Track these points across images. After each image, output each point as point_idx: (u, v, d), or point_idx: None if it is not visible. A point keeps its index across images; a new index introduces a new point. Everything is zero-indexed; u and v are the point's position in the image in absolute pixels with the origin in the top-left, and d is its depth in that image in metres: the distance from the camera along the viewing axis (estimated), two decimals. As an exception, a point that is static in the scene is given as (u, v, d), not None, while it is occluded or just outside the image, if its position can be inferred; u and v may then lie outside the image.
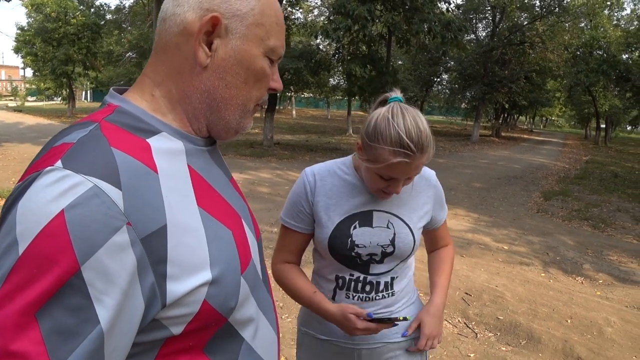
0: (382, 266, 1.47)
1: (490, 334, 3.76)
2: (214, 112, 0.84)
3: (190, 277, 0.72)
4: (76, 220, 0.61)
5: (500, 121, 32.07)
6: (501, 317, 4.01)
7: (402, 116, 1.27)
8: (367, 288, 1.49)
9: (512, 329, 3.82)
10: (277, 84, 0.90)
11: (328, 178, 1.48)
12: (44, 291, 0.59)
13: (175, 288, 0.70)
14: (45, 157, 0.69)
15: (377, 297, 1.50)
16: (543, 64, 26.46)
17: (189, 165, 0.81)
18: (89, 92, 51.63)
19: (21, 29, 28.41)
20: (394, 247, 1.44)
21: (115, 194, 0.65)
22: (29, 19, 28.01)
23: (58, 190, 0.62)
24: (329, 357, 1.55)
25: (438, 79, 31.22)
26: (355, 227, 1.44)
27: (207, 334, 0.78)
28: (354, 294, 1.49)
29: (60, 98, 32.06)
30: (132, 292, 0.66)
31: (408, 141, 1.24)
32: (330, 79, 24.19)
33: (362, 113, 41.34)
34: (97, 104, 40.98)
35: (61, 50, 24.95)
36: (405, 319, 1.37)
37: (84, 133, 0.71)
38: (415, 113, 1.31)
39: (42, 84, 30.86)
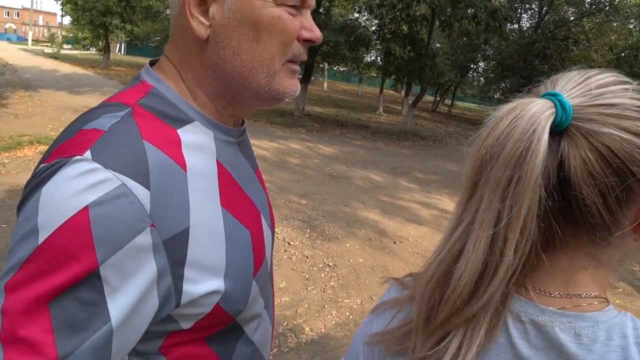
0: None
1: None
2: (233, 85, 0.76)
3: (206, 281, 0.70)
4: (100, 219, 0.59)
5: (533, 115, 31.35)
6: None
7: None
8: None
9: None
10: (310, 33, 0.76)
11: None
12: (60, 284, 0.58)
13: (191, 290, 0.69)
14: (73, 140, 0.65)
15: None
16: (585, 63, 25.77)
17: (217, 161, 0.77)
18: (123, 44, 51.86)
19: (64, -25, 28.56)
20: None
21: (143, 194, 0.63)
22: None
23: (85, 184, 0.60)
24: None
25: (474, 66, 30.66)
26: None
27: (213, 329, 0.77)
28: None
29: (96, 49, 32.33)
30: (148, 292, 0.64)
31: None
32: (366, 56, 23.90)
33: (392, 92, 40.88)
34: (130, 58, 41.28)
35: (101, 1, 25.04)
36: None
37: (115, 119, 0.67)
38: None
39: (80, 34, 31.13)
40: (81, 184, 0.60)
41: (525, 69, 23.99)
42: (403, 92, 25.22)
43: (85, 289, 0.59)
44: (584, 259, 0.61)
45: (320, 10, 15.84)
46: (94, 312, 0.60)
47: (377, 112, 23.36)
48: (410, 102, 18.12)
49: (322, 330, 3.43)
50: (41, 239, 0.59)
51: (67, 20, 41.54)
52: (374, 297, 4.05)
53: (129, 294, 0.62)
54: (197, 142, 0.74)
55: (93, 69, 25.40)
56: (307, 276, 4.29)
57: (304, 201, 6.58)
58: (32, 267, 0.58)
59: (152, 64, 0.80)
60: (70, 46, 46.59)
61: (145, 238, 0.62)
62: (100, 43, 29.77)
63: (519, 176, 0.55)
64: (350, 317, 3.68)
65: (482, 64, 30.22)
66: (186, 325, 0.73)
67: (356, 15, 18.39)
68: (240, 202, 0.81)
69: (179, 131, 0.72)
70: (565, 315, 0.58)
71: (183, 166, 0.70)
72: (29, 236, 0.59)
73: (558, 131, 0.57)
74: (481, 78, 31.22)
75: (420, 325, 0.62)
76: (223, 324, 0.78)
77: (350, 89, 39.81)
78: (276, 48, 0.73)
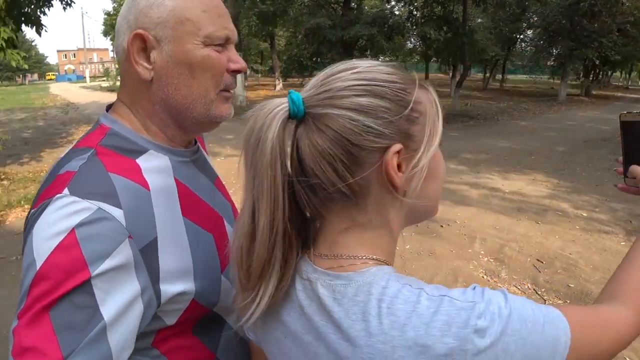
0: None
1: (559, 301, 3.73)
2: (177, 115, 0.88)
3: (178, 281, 0.82)
4: (86, 236, 0.70)
5: (590, 79, 29.67)
6: (572, 285, 3.97)
7: None
8: None
9: (583, 297, 3.77)
10: (237, 65, 0.89)
11: None
12: (58, 297, 0.67)
13: (167, 290, 0.80)
14: (52, 185, 0.77)
15: None
16: (639, 14, 24.30)
17: (175, 179, 0.88)
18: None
19: (107, 14, 30.16)
20: None
21: (117, 213, 0.74)
22: (114, 4, 29.59)
23: (68, 212, 0.71)
24: None
25: (521, 37, 29.55)
26: None
27: (194, 320, 0.89)
28: None
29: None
30: (132, 293, 0.74)
31: None
32: (406, 43, 23.62)
33: (441, 75, 40.00)
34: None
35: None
36: None
37: (82, 161, 0.79)
38: None
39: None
40: (65, 213, 0.71)
41: (573, 31, 22.76)
42: (450, 74, 24.69)
43: (81, 296, 0.69)
44: (343, 223, 0.70)
45: (352, 5, 15.89)
46: (89, 313, 0.69)
47: (425, 98, 22.93)
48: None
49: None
50: (39, 264, 0.69)
51: (118, 53, 43.47)
52: (418, 283, 4.09)
53: (118, 296, 0.72)
54: (155, 166, 0.86)
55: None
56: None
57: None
58: (35, 290, 0.68)
59: (108, 108, 0.93)
60: (123, 77, 48.73)
61: (125, 247, 0.74)
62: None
63: (257, 158, 0.66)
64: (395, 304, 3.73)
65: (529, 32, 29.05)
66: (170, 320, 0.84)
67: (388, 5, 18.25)
68: (200, 210, 0.92)
69: (138, 160, 0.85)
70: (328, 274, 0.69)
71: (146, 187, 0.82)
72: (30, 267, 0.70)
73: (299, 121, 0.67)
74: (530, 47, 29.99)
75: (238, 286, 0.74)
76: (202, 315, 0.89)
77: (396, 79, 39.17)
78: (209, 81, 0.87)
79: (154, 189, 0.83)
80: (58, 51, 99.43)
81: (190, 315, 0.87)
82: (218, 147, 9.99)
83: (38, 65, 78.75)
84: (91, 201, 0.73)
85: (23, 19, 7.72)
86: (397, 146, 0.65)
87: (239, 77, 19.01)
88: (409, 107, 0.66)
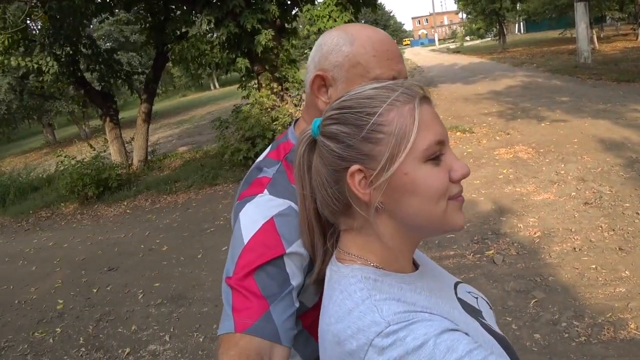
0: None
1: None
2: None
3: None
4: (282, 224, 0.90)
5: None
6: None
7: None
8: None
9: None
10: None
11: None
12: (260, 264, 0.86)
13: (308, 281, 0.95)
14: (253, 185, 1.00)
15: None
16: None
17: None
18: (522, 24, 51.32)
19: (455, -24, 30.90)
20: None
21: None
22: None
23: (269, 206, 0.93)
24: None
25: None
26: None
27: None
28: None
29: (492, 35, 33.47)
30: (301, 280, 0.91)
31: None
32: None
33: None
34: (528, 36, 40.79)
35: (487, -10, 25.88)
36: None
37: (274, 171, 1.01)
38: None
39: (474, 25, 32.95)
40: (267, 206, 0.93)
41: None
42: None
43: (276, 266, 0.88)
44: (343, 225, 0.83)
45: None
46: (282, 279, 0.88)
47: None
48: None
49: (652, 332, 2.84)
50: (246, 240, 0.89)
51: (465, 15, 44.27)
52: None
53: (299, 266, 0.92)
54: None
55: (490, 56, 26.33)
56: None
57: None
58: (243, 260, 0.88)
59: (296, 121, 1.13)
60: (469, 38, 49.42)
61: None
62: (494, 29, 30.69)
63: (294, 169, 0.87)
64: (703, 326, 2.81)
65: None
66: (310, 303, 1.00)
67: None
68: None
69: None
70: (333, 260, 0.84)
71: None
72: (238, 243, 0.91)
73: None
74: None
75: None
76: None
77: None
78: None
79: None
80: (412, 18, 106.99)
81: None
82: (547, 110, 9.22)
83: (396, 32, 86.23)
84: (285, 200, 0.95)
85: (361, 1, 9.41)
86: (354, 167, 0.75)
87: (583, 29, 16.96)
88: (365, 130, 0.74)
